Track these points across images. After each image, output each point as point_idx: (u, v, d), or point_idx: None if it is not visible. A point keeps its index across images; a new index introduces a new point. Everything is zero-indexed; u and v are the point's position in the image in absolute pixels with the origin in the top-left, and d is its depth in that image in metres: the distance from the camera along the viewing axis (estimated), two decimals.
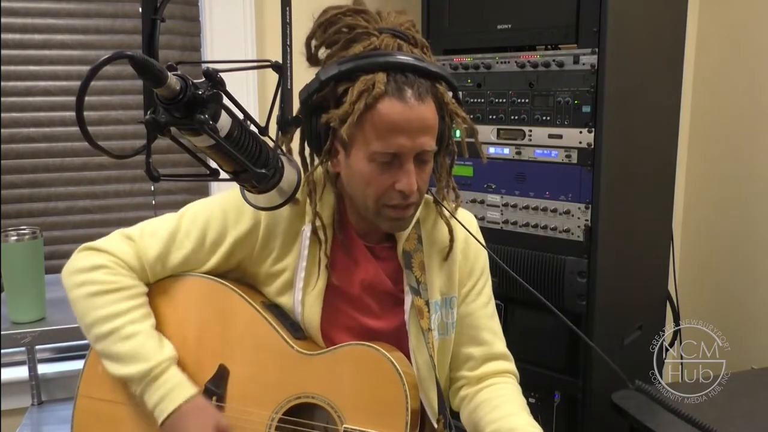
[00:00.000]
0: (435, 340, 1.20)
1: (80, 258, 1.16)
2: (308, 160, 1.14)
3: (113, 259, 1.14)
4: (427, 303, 1.18)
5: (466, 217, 1.26)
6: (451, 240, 1.20)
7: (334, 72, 1.04)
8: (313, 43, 1.09)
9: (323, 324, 1.17)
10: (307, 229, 1.15)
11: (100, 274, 1.13)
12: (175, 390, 1.10)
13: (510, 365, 1.28)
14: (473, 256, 1.26)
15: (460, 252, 1.24)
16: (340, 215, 1.17)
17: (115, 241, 1.17)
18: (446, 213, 1.19)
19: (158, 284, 1.18)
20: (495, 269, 1.31)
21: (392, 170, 1.05)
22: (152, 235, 1.16)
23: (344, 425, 1.09)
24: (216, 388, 1.15)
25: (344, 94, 1.03)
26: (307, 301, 1.16)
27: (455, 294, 1.24)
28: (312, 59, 1.10)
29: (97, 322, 1.12)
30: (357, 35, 1.06)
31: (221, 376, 1.16)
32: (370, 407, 1.10)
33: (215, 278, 1.18)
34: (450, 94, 1.11)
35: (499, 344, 1.28)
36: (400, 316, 1.19)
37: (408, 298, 1.17)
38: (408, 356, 1.18)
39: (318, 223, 1.14)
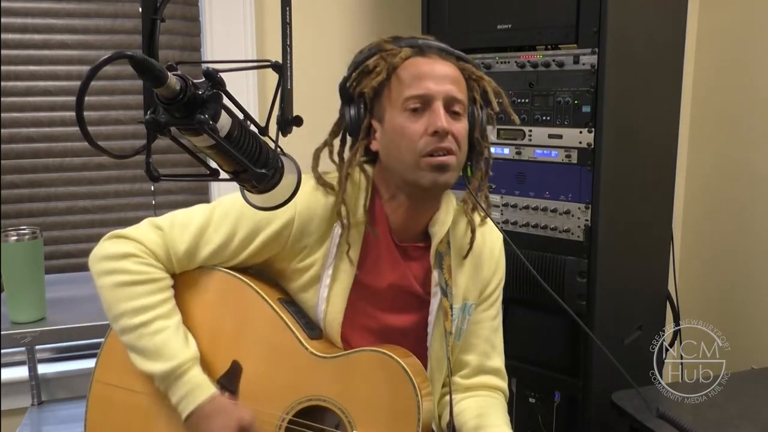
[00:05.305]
0: (452, 344, 1.21)
1: (109, 245, 1.14)
2: (345, 151, 1.18)
3: (142, 249, 1.12)
4: (451, 307, 1.19)
5: (494, 235, 1.28)
6: (472, 240, 1.21)
7: (364, 55, 1.15)
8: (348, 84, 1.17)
9: (344, 321, 1.17)
10: (338, 227, 1.15)
11: (130, 263, 1.11)
12: (195, 391, 1.10)
13: (502, 383, 1.29)
14: (495, 266, 1.28)
15: (488, 261, 1.26)
16: (374, 212, 1.17)
17: (145, 230, 1.15)
18: (476, 219, 1.22)
19: (177, 276, 1.17)
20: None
21: (424, 117, 1.10)
22: (182, 228, 1.14)
23: (354, 431, 1.09)
24: (228, 384, 1.15)
25: (375, 67, 1.13)
26: (332, 298, 1.16)
27: (475, 301, 1.25)
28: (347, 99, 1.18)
29: (125, 314, 1.11)
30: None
31: (234, 372, 1.16)
32: (382, 415, 1.10)
33: (234, 273, 1.17)
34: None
35: (497, 359, 1.29)
36: (421, 318, 1.20)
37: (436, 299, 1.18)
38: (425, 356, 1.18)
39: (346, 221, 1.14)
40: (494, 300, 1.29)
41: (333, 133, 1.19)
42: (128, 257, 1.12)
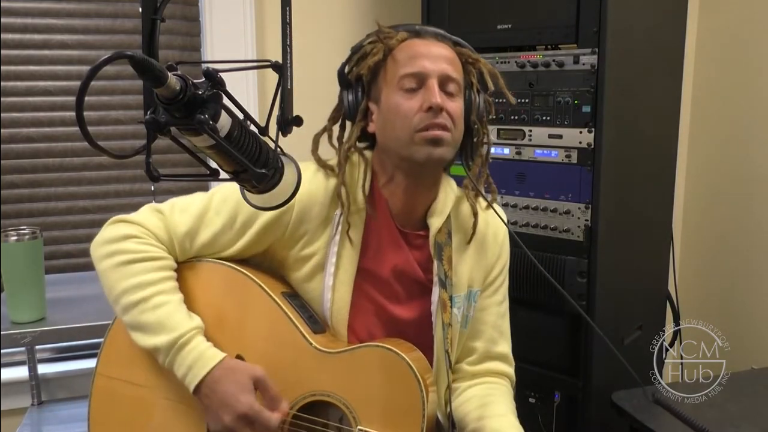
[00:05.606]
0: (455, 334, 1.21)
1: (110, 230, 1.15)
2: (344, 137, 1.19)
3: (143, 230, 1.13)
4: (451, 298, 1.19)
5: (498, 220, 1.28)
6: (474, 224, 1.21)
7: (362, 41, 1.16)
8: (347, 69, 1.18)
9: (350, 309, 1.17)
10: (339, 213, 1.15)
11: (131, 244, 1.12)
12: (204, 355, 1.08)
13: (508, 369, 1.29)
14: (498, 250, 1.28)
15: (492, 245, 1.26)
16: (373, 197, 1.18)
17: (146, 214, 1.16)
18: (480, 204, 1.22)
19: (179, 269, 1.17)
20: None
21: (419, 95, 1.11)
22: (183, 211, 1.16)
23: (359, 427, 1.10)
24: None
25: (372, 49, 1.15)
26: (338, 286, 1.16)
27: (480, 287, 1.25)
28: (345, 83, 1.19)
29: (126, 292, 1.10)
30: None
31: None
32: (386, 411, 1.09)
33: (236, 267, 1.17)
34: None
35: (504, 345, 1.29)
36: (426, 306, 1.20)
37: (436, 290, 1.18)
38: (431, 347, 1.18)
39: (347, 203, 1.14)
40: (499, 285, 1.29)
41: (332, 119, 1.20)
42: (129, 238, 1.12)
